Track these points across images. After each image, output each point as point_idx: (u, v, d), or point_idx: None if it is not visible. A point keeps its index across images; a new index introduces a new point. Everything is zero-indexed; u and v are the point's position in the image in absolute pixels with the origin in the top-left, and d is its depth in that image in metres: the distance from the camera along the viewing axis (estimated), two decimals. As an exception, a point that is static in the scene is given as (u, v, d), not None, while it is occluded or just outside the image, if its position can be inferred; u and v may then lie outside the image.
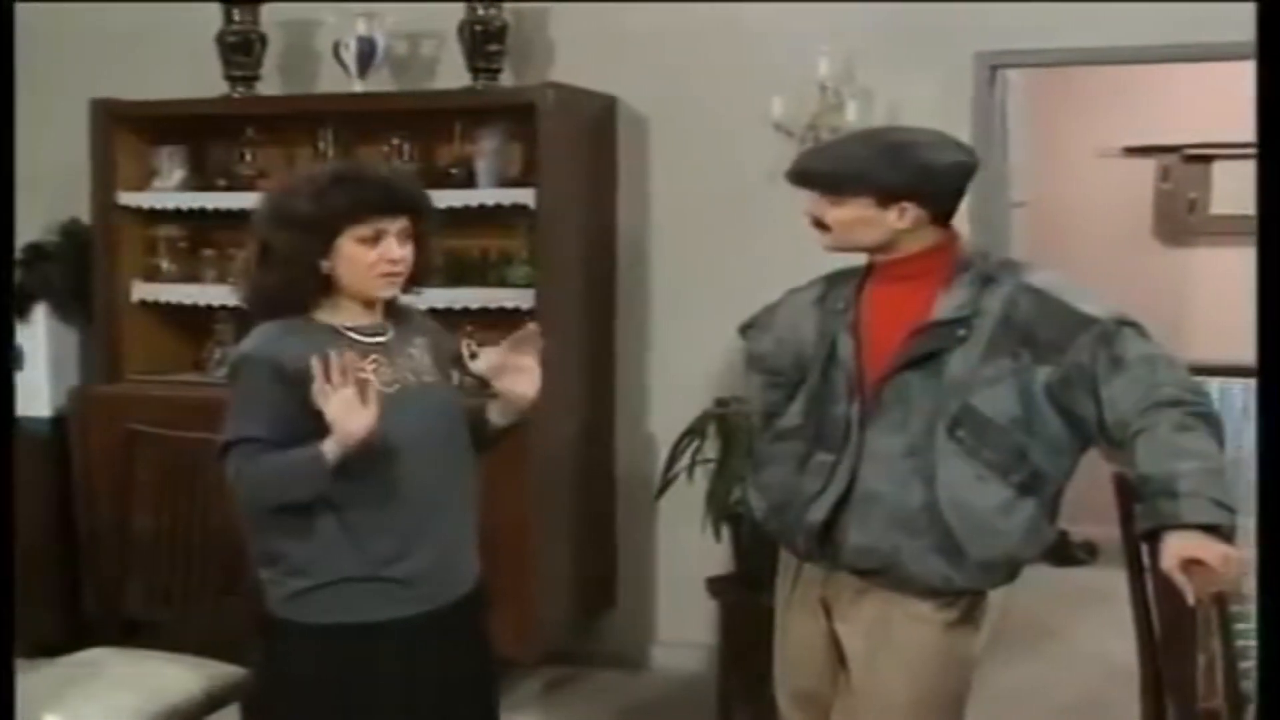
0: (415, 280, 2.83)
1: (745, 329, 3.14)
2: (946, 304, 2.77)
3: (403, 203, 2.74)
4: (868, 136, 2.98)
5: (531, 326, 2.85)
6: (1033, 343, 2.70)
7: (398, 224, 2.71)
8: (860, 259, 2.93)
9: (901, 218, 2.77)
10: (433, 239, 2.85)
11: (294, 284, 2.69)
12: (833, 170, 2.81)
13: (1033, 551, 2.79)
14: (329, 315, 2.74)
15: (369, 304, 2.77)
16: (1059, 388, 2.67)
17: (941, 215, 2.82)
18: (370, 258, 2.69)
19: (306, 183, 2.73)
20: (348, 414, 2.54)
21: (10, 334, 3.90)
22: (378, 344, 2.75)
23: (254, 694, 3.21)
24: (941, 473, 2.71)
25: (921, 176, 2.75)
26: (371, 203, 2.69)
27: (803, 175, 2.88)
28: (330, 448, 2.56)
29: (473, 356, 4.62)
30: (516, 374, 2.83)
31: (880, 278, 2.88)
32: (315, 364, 2.55)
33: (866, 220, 2.79)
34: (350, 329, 2.73)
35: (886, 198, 2.76)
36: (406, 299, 2.90)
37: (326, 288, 2.71)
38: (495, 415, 2.91)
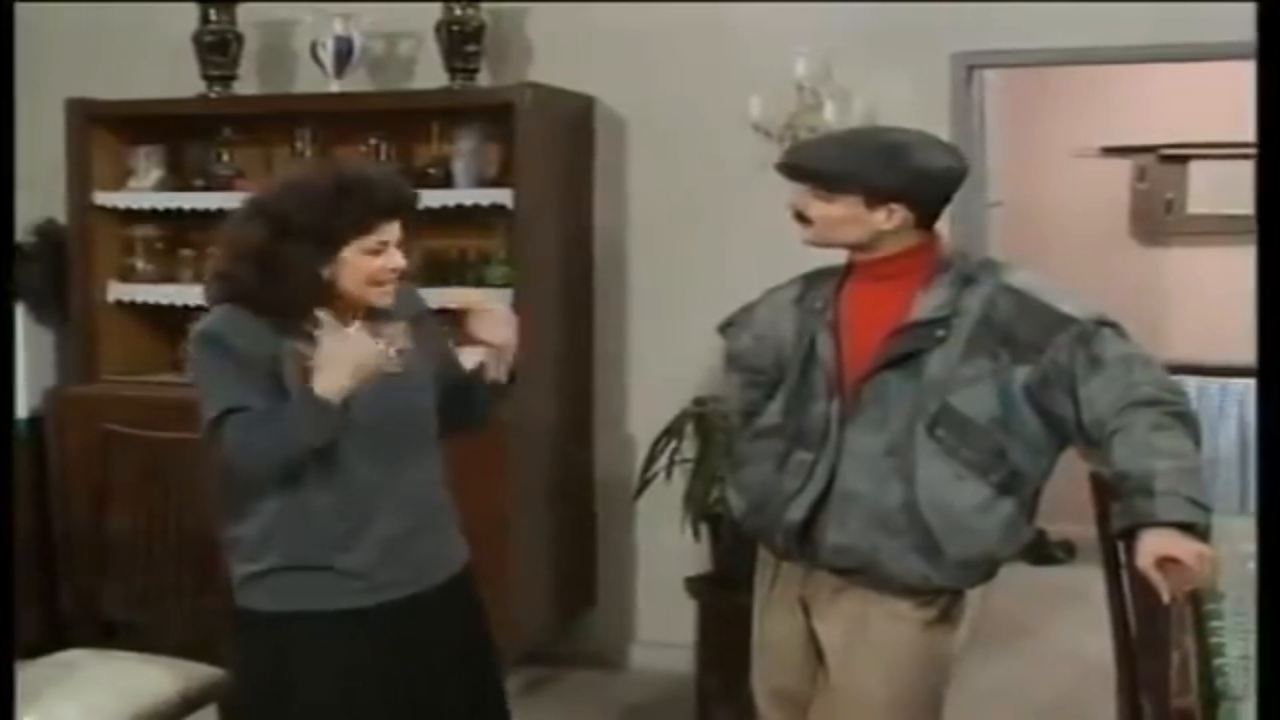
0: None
1: (724, 327, 3.14)
2: (926, 304, 2.78)
3: (405, 207, 2.74)
4: (862, 135, 2.99)
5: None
6: (1012, 342, 2.70)
7: (397, 230, 2.70)
8: (839, 258, 2.93)
9: (889, 219, 2.78)
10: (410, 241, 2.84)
11: (293, 293, 2.64)
12: (827, 167, 2.81)
13: (1011, 550, 2.79)
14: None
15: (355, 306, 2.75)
16: (1037, 387, 2.68)
17: (926, 218, 2.83)
18: (374, 267, 2.67)
19: (306, 189, 2.68)
20: (354, 348, 2.56)
21: (10, 334, 3.88)
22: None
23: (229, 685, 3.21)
24: (920, 472, 2.71)
25: (915, 180, 2.76)
26: (380, 211, 2.67)
27: (795, 169, 2.88)
28: (325, 387, 2.55)
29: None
30: (487, 321, 2.84)
31: (860, 277, 2.89)
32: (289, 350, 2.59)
33: (853, 219, 2.79)
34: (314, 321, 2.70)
35: (877, 198, 2.76)
36: None
37: (323, 293, 2.67)
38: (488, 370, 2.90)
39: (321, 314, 2.60)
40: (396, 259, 2.70)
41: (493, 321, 2.85)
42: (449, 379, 2.88)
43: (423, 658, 2.77)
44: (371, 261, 2.67)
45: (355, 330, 2.61)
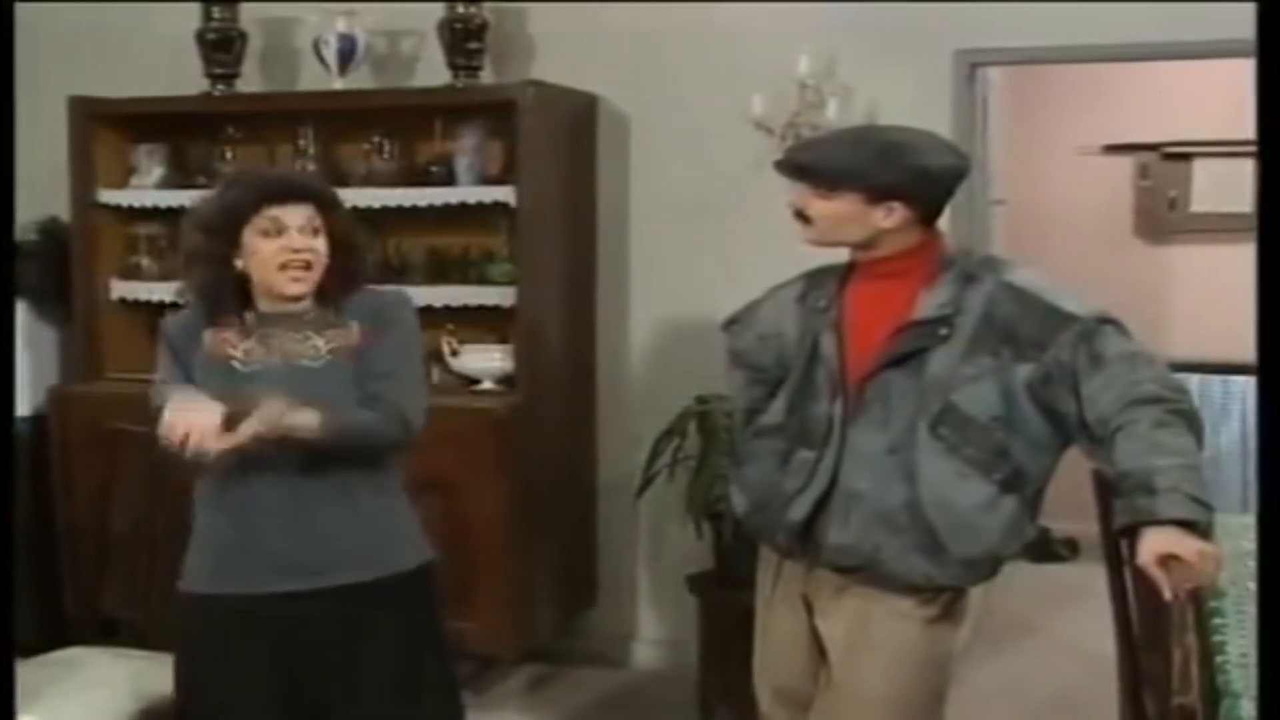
0: (349, 281, 2.85)
1: (727, 325, 3.14)
2: (928, 302, 2.78)
3: (297, 191, 2.79)
4: (862, 134, 2.99)
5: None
6: (1014, 340, 2.70)
7: (299, 215, 2.75)
8: (842, 256, 2.93)
9: (888, 217, 2.78)
10: (354, 238, 2.89)
11: (213, 283, 2.79)
12: (826, 165, 2.81)
13: (1014, 548, 2.79)
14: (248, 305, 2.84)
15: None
16: (1040, 385, 2.68)
17: (927, 217, 2.83)
18: (271, 249, 2.74)
19: (216, 188, 2.91)
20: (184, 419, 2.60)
21: (10, 334, 3.87)
22: (268, 329, 2.80)
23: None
24: (923, 470, 2.71)
25: (915, 178, 2.76)
26: (265, 193, 2.75)
27: (795, 167, 2.88)
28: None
29: (454, 354, 4.66)
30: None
31: (862, 275, 2.89)
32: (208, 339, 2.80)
33: (853, 217, 2.79)
34: (254, 313, 2.82)
35: (877, 196, 2.76)
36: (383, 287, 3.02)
37: (244, 284, 2.80)
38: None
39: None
40: (297, 240, 2.75)
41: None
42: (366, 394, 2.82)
43: (311, 654, 2.78)
44: (269, 244, 2.74)
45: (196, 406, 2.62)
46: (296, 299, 2.80)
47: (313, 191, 2.82)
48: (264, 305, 2.81)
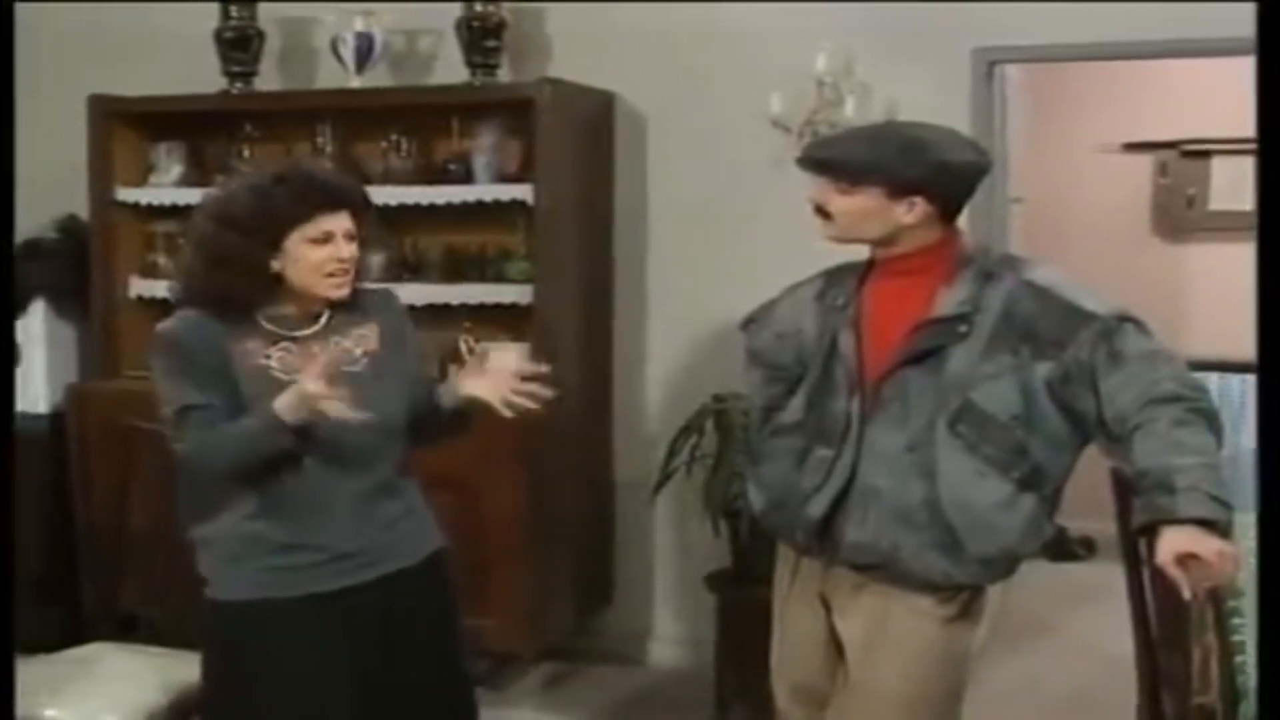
0: (356, 278, 2.84)
1: (746, 324, 3.14)
2: (948, 300, 2.77)
3: (347, 199, 2.75)
4: (884, 130, 2.99)
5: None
6: (1033, 339, 2.70)
7: (344, 222, 2.73)
8: (861, 254, 2.93)
9: (909, 213, 2.78)
10: (370, 240, 2.87)
11: (243, 286, 2.70)
12: (848, 159, 2.81)
13: (1032, 547, 2.79)
14: (260, 309, 2.76)
15: (312, 301, 2.78)
16: (1059, 383, 2.67)
17: (947, 213, 2.82)
18: (319, 257, 2.70)
19: (249, 184, 2.75)
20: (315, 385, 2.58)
21: (10, 334, 3.90)
22: (290, 335, 2.76)
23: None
24: (942, 468, 2.71)
25: (937, 173, 2.76)
26: (318, 201, 2.70)
27: (817, 162, 2.88)
28: (282, 406, 2.61)
29: (470, 352, 4.66)
30: (483, 378, 2.82)
31: (881, 273, 2.89)
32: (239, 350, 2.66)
33: (874, 212, 2.79)
34: (270, 319, 2.74)
35: (898, 191, 2.76)
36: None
37: (275, 287, 2.72)
38: (446, 399, 2.89)
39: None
40: (344, 250, 2.72)
41: (483, 382, 2.80)
42: (415, 394, 2.87)
43: (381, 639, 2.79)
44: (317, 252, 2.70)
45: (319, 369, 2.62)
46: (330, 303, 2.79)
47: (358, 198, 2.79)
48: (285, 308, 2.76)
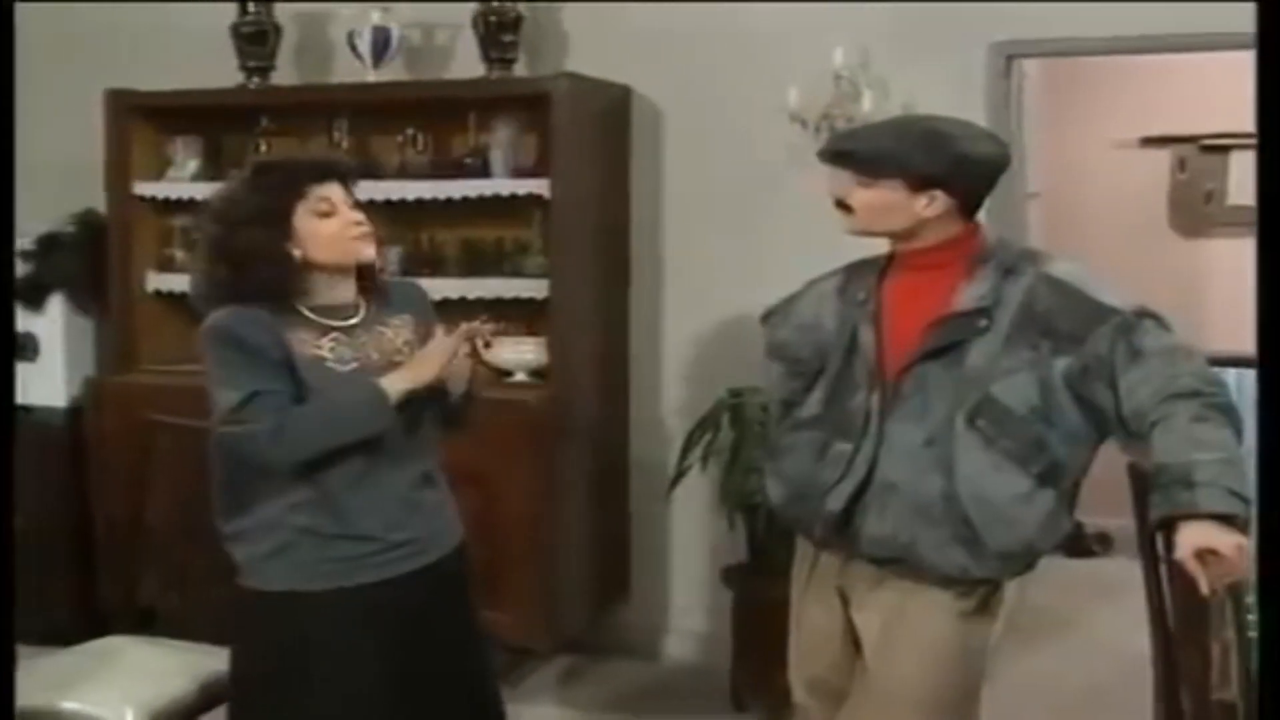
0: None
1: (766, 318, 3.14)
2: (968, 294, 2.77)
3: (330, 169, 2.79)
4: (904, 123, 2.98)
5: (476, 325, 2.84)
6: (1053, 333, 2.69)
7: (339, 191, 2.76)
8: (880, 248, 2.92)
9: (930, 206, 2.77)
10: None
11: (272, 276, 2.71)
12: (868, 151, 2.81)
13: (1051, 542, 2.78)
14: (298, 299, 2.77)
15: (344, 278, 2.79)
16: (1078, 378, 2.67)
17: (968, 207, 2.82)
18: (333, 227, 2.73)
19: (238, 184, 2.79)
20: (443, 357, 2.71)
21: (10, 334, 3.91)
22: (339, 325, 2.78)
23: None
24: (960, 463, 2.71)
25: (957, 166, 2.75)
26: (304, 175, 2.74)
27: (837, 155, 2.88)
28: (394, 383, 2.70)
29: (487, 346, 4.66)
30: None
31: (902, 267, 2.89)
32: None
33: (894, 205, 2.79)
34: (312, 310, 2.76)
35: (918, 184, 2.76)
36: (393, 277, 3.01)
37: (303, 274, 2.74)
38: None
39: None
40: (353, 214, 2.76)
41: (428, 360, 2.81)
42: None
43: (418, 629, 2.81)
44: (328, 224, 2.73)
45: (444, 340, 2.73)
46: (364, 280, 2.82)
47: (340, 167, 2.82)
48: (319, 298, 2.77)
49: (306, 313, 2.75)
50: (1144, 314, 2.67)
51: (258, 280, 2.69)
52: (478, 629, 2.99)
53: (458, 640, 2.90)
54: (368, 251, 2.78)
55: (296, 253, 2.71)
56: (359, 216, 2.77)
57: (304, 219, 2.72)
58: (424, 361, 2.74)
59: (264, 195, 2.72)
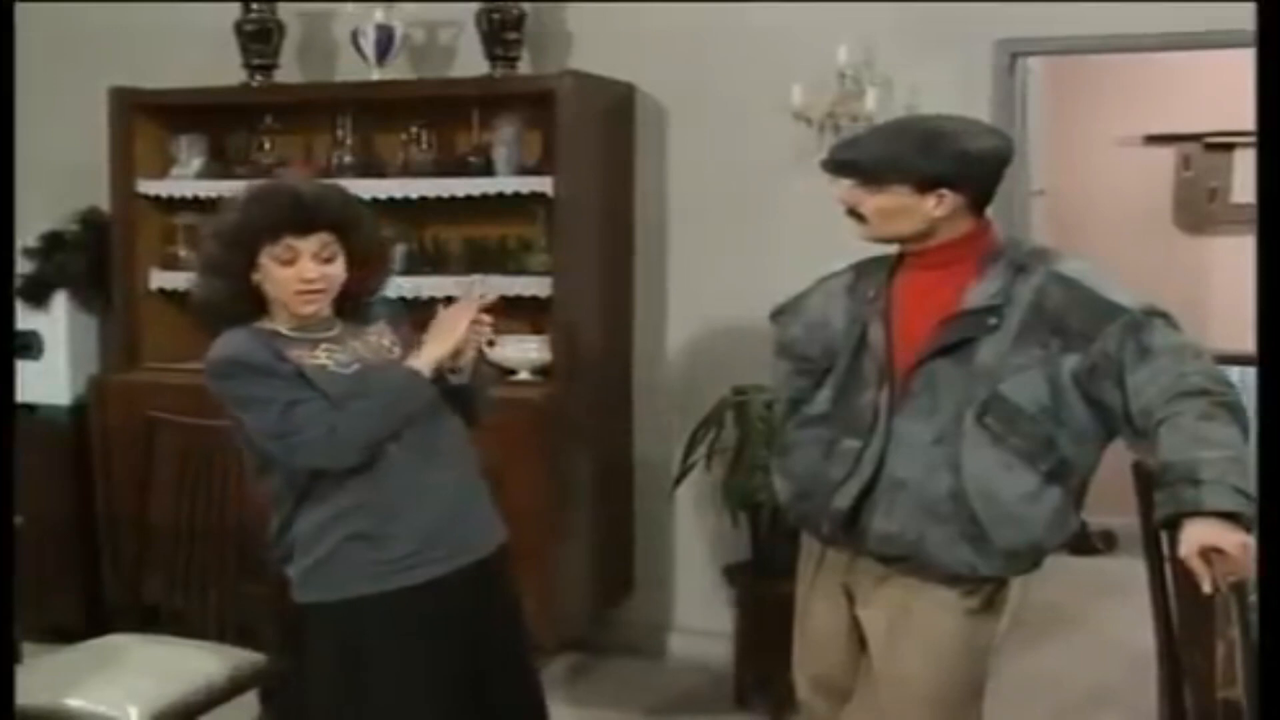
0: (364, 293, 2.91)
1: (775, 315, 3.14)
2: (978, 292, 2.77)
3: (313, 220, 2.78)
4: (902, 126, 2.98)
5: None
6: (1062, 331, 2.70)
7: (312, 242, 2.76)
8: (890, 246, 2.92)
9: (939, 205, 2.78)
10: (374, 254, 2.91)
11: (229, 295, 2.79)
12: (871, 159, 2.82)
13: (1058, 540, 2.78)
14: (271, 321, 2.83)
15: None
16: (1086, 376, 2.67)
17: (977, 202, 2.82)
18: (286, 276, 2.76)
19: (241, 198, 2.83)
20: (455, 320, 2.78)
21: (10, 333, 3.91)
22: (326, 336, 2.83)
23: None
24: (968, 460, 2.71)
25: (960, 163, 2.76)
26: (279, 222, 2.75)
27: (840, 165, 2.88)
28: (423, 358, 2.76)
29: (490, 344, 4.66)
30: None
31: (911, 266, 2.89)
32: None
33: (905, 208, 2.79)
34: (291, 329, 2.81)
35: (925, 185, 2.76)
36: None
37: (259, 300, 2.80)
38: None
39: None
40: (309, 270, 2.77)
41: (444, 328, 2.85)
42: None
43: (468, 629, 2.83)
44: (283, 271, 2.77)
45: (458, 305, 2.80)
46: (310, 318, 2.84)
47: (333, 220, 2.81)
48: (290, 319, 2.82)
49: (287, 331, 2.80)
50: (1153, 312, 2.67)
51: (225, 297, 2.79)
52: (523, 626, 3.02)
53: (505, 638, 2.93)
54: (305, 309, 2.80)
55: (255, 278, 2.78)
56: (313, 275, 2.77)
57: (266, 257, 2.76)
58: (442, 332, 2.79)
59: (242, 222, 2.77)
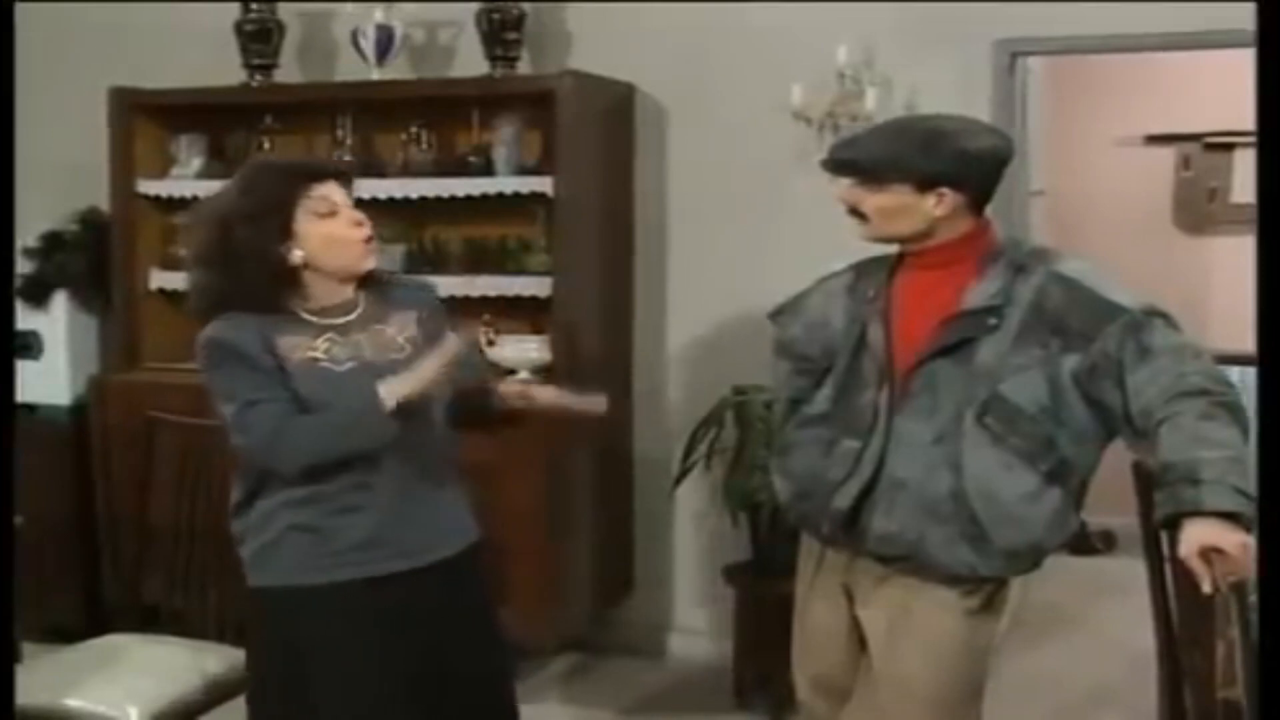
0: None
1: (775, 315, 3.13)
2: (978, 292, 2.77)
3: (327, 169, 2.76)
4: (902, 125, 2.97)
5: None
6: (1063, 331, 2.69)
7: (339, 191, 2.72)
8: (890, 246, 2.92)
9: (940, 204, 2.77)
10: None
11: (264, 281, 2.68)
12: (871, 159, 2.81)
13: (1058, 540, 2.78)
14: (300, 301, 2.75)
15: (344, 281, 2.76)
16: (1086, 376, 2.67)
17: (977, 202, 2.82)
18: (335, 228, 2.69)
19: (233, 182, 2.73)
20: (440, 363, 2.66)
21: (10, 333, 3.92)
22: (333, 324, 2.75)
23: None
24: (969, 460, 2.71)
25: (960, 162, 2.76)
26: (304, 174, 2.70)
27: (841, 164, 2.88)
28: (392, 389, 2.64)
29: (490, 344, 4.67)
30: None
31: (911, 266, 2.89)
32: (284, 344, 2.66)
33: (905, 208, 2.79)
34: (309, 311, 2.73)
35: (925, 185, 2.76)
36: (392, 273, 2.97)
37: (298, 280, 2.71)
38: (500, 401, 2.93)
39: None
40: (355, 214, 2.72)
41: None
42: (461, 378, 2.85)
43: (424, 629, 2.79)
44: (329, 225, 2.69)
45: (440, 351, 2.67)
46: (364, 277, 2.78)
47: (337, 167, 2.82)
48: (316, 300, 2.74)
49: (301, 314, 2.73)
50: (1153, 313, 2.67)
51: (249, 285, 2.67)
52: (493, 629, 2.96)
53: (468, 640, 2.88)
54: (368, 262, 2.75)
55: (296, 254, 2.67)
56: (361, 216, 2.73)
57: (304, 220, 2.67)
58: (424, 368, 2.68)
59: (260, 194, 2.67)
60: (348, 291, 2.78)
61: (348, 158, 4.87)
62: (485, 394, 2.92)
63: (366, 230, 2.73)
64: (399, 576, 2.76)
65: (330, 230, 2.69)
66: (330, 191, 2.71)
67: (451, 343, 2.69)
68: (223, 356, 2.68)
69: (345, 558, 2.73)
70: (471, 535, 2.92)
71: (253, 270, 2.66)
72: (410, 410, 2.69)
